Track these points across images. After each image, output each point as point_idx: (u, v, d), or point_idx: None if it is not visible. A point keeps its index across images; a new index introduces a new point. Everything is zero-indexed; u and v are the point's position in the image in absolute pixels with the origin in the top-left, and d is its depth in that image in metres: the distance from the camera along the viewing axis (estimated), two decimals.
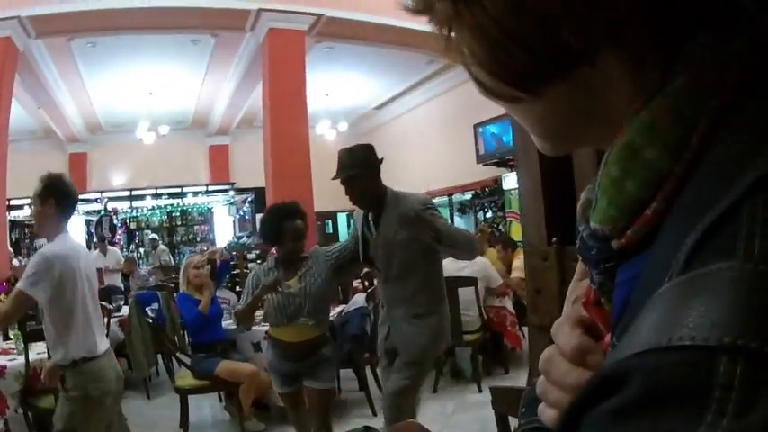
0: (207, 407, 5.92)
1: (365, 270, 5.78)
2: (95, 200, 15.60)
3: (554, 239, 2.07)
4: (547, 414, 0.54)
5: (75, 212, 10.97)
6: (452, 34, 0.49)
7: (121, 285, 9.89)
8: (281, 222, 3.61)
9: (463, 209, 13.88)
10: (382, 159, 3.50)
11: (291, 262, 3.64)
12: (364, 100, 15.30)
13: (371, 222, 3.49)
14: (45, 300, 3.01)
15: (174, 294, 6.18)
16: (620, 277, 0.47)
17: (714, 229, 0.34)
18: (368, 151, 3.51)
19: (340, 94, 13.99)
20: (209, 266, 5.72)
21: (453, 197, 13.90)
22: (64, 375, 3.11)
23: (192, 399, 5.35)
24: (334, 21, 9.98)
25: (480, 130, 12.02)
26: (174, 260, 13.58)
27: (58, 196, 3.13)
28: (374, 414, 5.09)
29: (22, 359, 4.44)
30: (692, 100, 0.41)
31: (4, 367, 4.39)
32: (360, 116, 16.51)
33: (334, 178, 3.45)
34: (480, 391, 5.56)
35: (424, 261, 3.43)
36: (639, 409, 0.30)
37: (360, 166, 3.39)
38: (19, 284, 3.06)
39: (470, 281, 5.81)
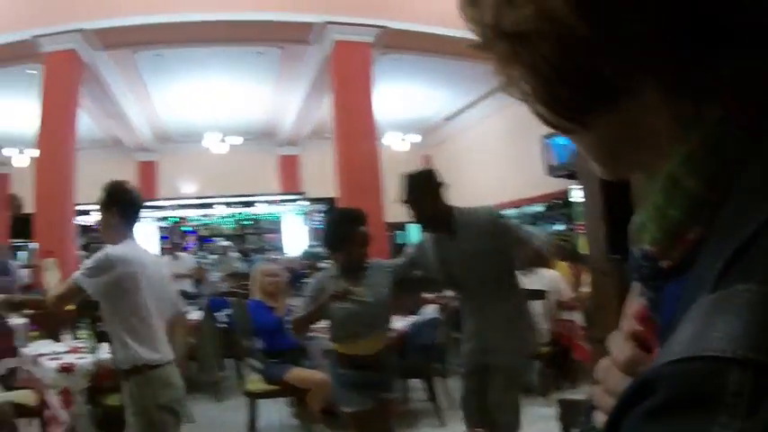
0: (275, 411, 5.97)
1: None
2: (166, 207, 15.90)
3: (614, 256, 2.09)
4: (600, 420, 0.59)
5: (148, 219, 11.28)
6: (512, 71, 0.55)
7: (192, 291, 9.98)
8: (348, 226, 3.54)
9: (534, 221, 13.77)
10: (442, 183, 3.53)
11: (356, 270, 3.55)
12: (433, 111, 15.27)
13: (445, 242, 3.50)
14: (98, 296, 3.04)
15: (245, 301, 6.28)
16: (666, 295, 0.52)
17: (739, 253, 0.39)
18: (426, 175, 3.58)
19: (409, 105, 14.02)
20: (288, 274, 5.78)
21: (524, 209, 13.78)
22: (126, 381, 3.09)
23: (260, 403, 5.45)
24: (399, 32, 10.02)
25: (549, 141, 11.88)
26: (246, 268, 13.72)
27: (120, 204, 3.21)
28: (442, 424, 5.11)
29: (91, 358, 4.58)
30: (722, 131, 0.46)
31: (73, 365, 4.53)
32: (429, 127, 16.49)
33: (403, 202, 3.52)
34: (548, 405, 5.50)
35: (507, 273, 3.49)
36: (666, 411, 0.36)
37: (418, 190, 3.46)
38: (76, 273, 3.11)
39: (541, 294, 5.79)
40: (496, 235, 3.39)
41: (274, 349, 5.48)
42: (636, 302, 0.62)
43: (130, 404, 3.06)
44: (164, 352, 3.15)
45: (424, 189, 3.49)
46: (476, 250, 3.38)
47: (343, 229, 3.55)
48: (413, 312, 6.22)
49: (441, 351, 5.60)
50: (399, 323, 5.31)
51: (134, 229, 3.29)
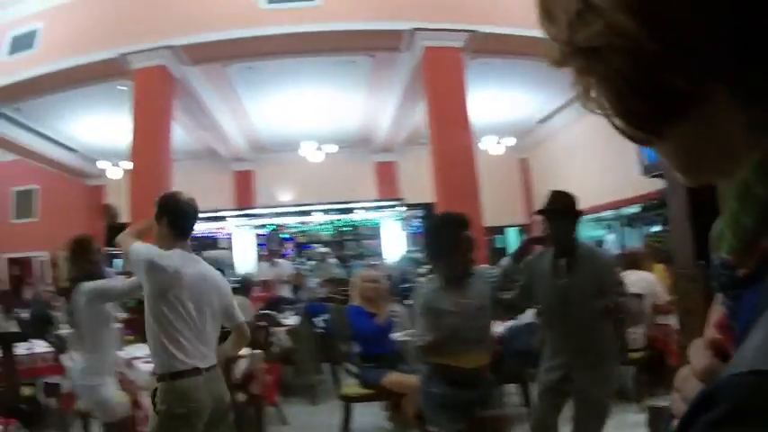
0: (370, 415, 6.00)
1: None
2: (263, 215, 16.23)
3: (701, 261, 2.03)
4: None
5: (245, 227, 11.56)
6: (588, 85, 0.56)
7: (291, 297, 10.11)
8: (453, 231, 3.35)
9: (631, 222, 13.41)
10: (581, 213, 3.57)
11: (461, 278, 3.38)
12: (526, 114, 15.09)
13: (562, 270, 3.50)
14: (142, 281, 3.15)
15: (343, 306, 6.34)
16: (744, 303, 0.52)
17: None
18: (573, 198, 3.58)
19: (502, 109, 13.91)
20: (388, 280, 5.80)
21: (620, 211, 13.49)
22: (158, 383, 3.14)
23: (355, 407, 5.49)
24: (488, 36, 9.98)
25: None
26: (344, 274, 13.86)
27: (170, 215, 3.27)
28: None
29: None
30: None
31: (136, 358, 4.79)
32: (524, 130, 16.29)
33: (539, 212, 3.56)
34: (640, 411, 5.34)
35: (599, 312, 3.44)
36: (727, 422, 0.38)
37: (562, 205, 3.49)
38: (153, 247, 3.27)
39: (637, 298, 5.62)
40: (605, 278, 3.45)
41: (372, 354, 5.51)
42: (717, 310, 0.62)
43: (156, 403, 3.14)
44: (198, 362, 3.12)
45: (567, 206, 3.50)
46: (586, 286, 3.41)
47: (447, 234, 3.37)
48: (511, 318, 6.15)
49: (537, 356, 5.51)
50: (497, 328, 5.27)
51: (186, 238, 3.32)
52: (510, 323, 5.70)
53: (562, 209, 3.50)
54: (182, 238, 3.29)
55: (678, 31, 0.46)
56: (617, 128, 0.56)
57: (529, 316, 5.61)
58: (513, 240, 16.79)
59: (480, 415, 3.35)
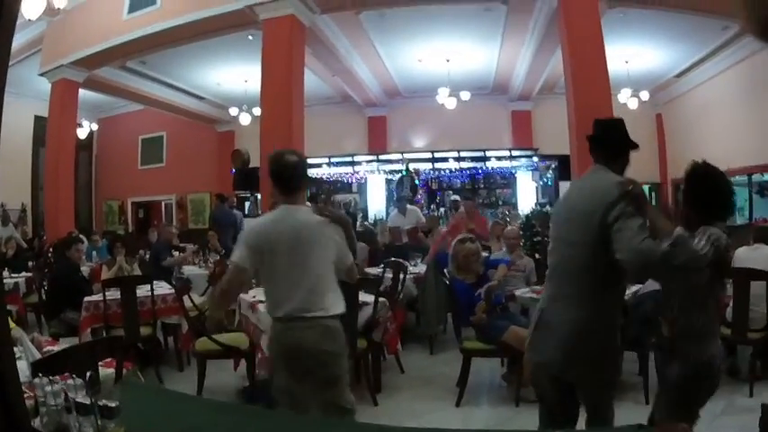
0: (487, 370, 6.06)
1: None
2: (396, 161, 16.38)
3: None
4: None
5: (376, 173, 11.79)
6: None
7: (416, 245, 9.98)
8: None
9: (762, 191, 12.43)
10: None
11: None
12: (662, 68, 14.33)
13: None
14: (239, 260, 3.31)
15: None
16: None
17: None
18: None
19: (637, 61, 13.24)
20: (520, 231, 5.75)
21: (753, 177, 12.49)
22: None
23: (474, 361, 5.53)
24: None
25: None
26: None
27: (273, 175, 3.45)
28: (646, 402, 4.85)
29: None
30: None
31: (260, 301, 4.89)
32: (660, 85, 15.51)
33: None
34: (751, 395, 5.06)
35: None
36: None
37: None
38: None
39: (763, 275, 5.26)
40: None
41: (497, 302, 5.58)
42: None
43: None
44: (280, 311, 3.32)
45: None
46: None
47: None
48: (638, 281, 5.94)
49: (659, 325, 5.30)
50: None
51: (291, 194, 3.44)
52: (636, 287, 5.51)
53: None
54: (286, 194, 3.44)
55: None
56: None
57: (654, 283, 5.40)
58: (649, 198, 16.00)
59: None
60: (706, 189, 3.06)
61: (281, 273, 3.31)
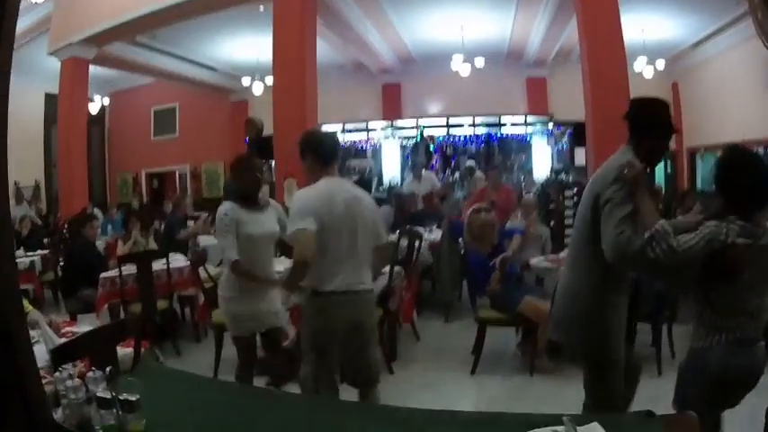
0: (502, 341, 6.01)
1: None
2: (411, 127, 16.28)
3: None
4: None
5: (390, 138, 11.69)
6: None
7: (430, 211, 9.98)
8: None
9: None
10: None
11: None
12: (678, 38, 14.04)
13: None
14: (312, 225, 3.29)
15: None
16: None
17: None
18: None
19: (653, 30, 12.94)
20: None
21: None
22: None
23: (489, 330, 5.52)
24: None
25: None
26: None
27: (312, 149, 3.54)
28: (659, 373, 4.85)
29: None
30: None
31: None
32: (676, 54, 15.17)
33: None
34: None
35: None
36: None
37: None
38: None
39: None
40: None
41: (513, 273, 5.57)
42: None
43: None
44: (348, 284, 3.36)
45: None
46: None
47: None
48: None
49: (674, 299, 5.27)
50: None
51: (332, 162, 3.57)
52: None
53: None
54: (329, 162, 3.55)
55: None
56: None
57: None
58: (657, 172, 15.81)
59: None
60: (740, 177, 2.67)
61: (334, 246, 3.35)
